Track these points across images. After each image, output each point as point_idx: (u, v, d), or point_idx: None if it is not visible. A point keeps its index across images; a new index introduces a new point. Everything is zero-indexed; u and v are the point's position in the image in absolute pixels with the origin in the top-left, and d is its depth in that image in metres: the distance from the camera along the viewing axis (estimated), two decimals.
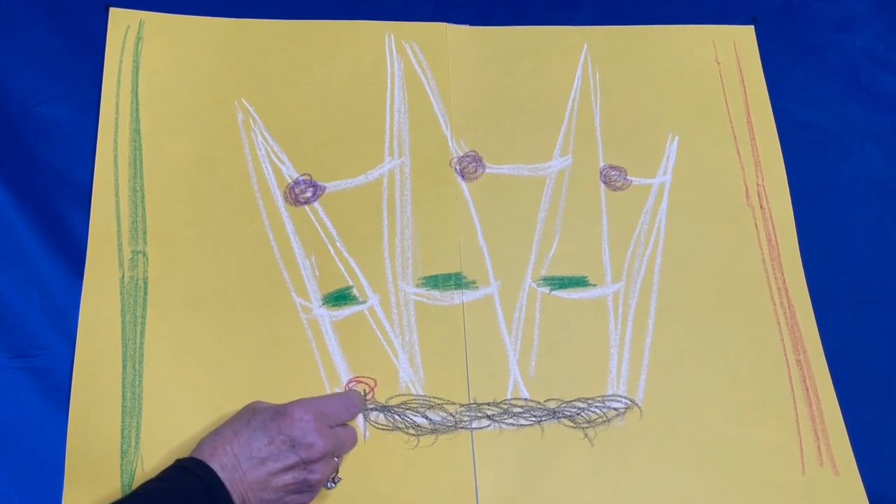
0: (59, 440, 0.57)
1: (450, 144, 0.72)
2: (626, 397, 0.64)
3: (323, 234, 0.67)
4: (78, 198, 0.65)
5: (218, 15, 0.74)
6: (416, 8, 0.76)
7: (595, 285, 0.68)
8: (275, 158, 0.69)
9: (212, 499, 0.49)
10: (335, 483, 0.57)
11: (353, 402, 0.58)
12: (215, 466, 0.50)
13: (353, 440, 0.57)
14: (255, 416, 0.53)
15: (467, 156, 0.71)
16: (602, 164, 0.73)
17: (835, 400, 0.65)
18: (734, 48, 0.79)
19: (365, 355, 0.63)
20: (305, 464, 0.52)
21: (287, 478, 0.52)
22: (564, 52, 0.77)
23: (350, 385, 0.62)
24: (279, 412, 0.53)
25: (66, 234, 0.64)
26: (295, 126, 0.70)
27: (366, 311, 0.65)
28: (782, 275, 0.70)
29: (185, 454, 0.57)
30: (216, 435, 0.53)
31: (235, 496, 0.50)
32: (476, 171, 0.71)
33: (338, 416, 0.56)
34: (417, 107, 0.72)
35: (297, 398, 0.56)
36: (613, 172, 0.73)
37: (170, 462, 0.52)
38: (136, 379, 0.60)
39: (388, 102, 0.72)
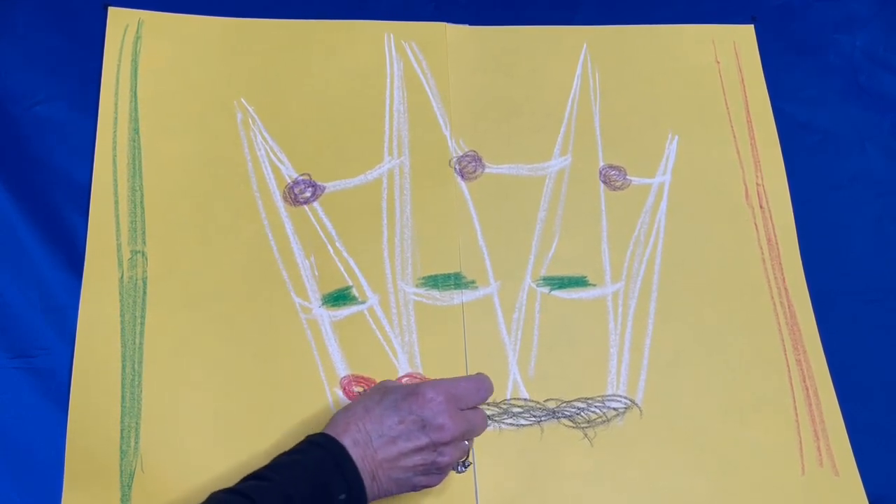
0: (59, 440, 0.57)
1: (449, 144, 0.72)
2: (625, 397, 0.64)
3: (322, 234, 0.67)
4: (77, 197, 0.65)
5: (217, 14, 0.74)
6: (416, 8, 0.76)
7: (595, 285, 0.68)
8: (274, 158, 0.69)
9: (340, 470, 0.49)
10: (465, 467, 0.56)
11: (483, 386, 0.56)
12: (347, 441, 0.50)
13: (483, 424, 0.56)
14: (386, 394, 0.53)
15: (467, 155, 0.71)
16: (601, 163, 0.73)
17: (835, 400, 0.65)
18: (734, 48, 0.79)
19: (364, 355, 0.63)
20: (435, 446, 0.52)
21: (416, 458, 0.52)
22: (564, 52, 0.77)
23: (346, 383, 0.62)
24: (411, 392, 0.53)
25: (65, 234, 0.64)
26: (294, 126, 0.70)
27: (365, 311, 0.65)
28: (782, 275, 0.70)
29: (184, 454, 0.58)
30: (348, 411, 0.53)
31: (366, 472, 0.50)
32: (475, 170, 0.71)
33: (469, 399, 0.55)
34: (417, 107, 0.72)
35: (296, 398, 0.56)
36: (613, 172, 0.72)
37: (168, 464, 0.53)
38: (135, 379, 0.60)
39: (388, 102, 0.72)
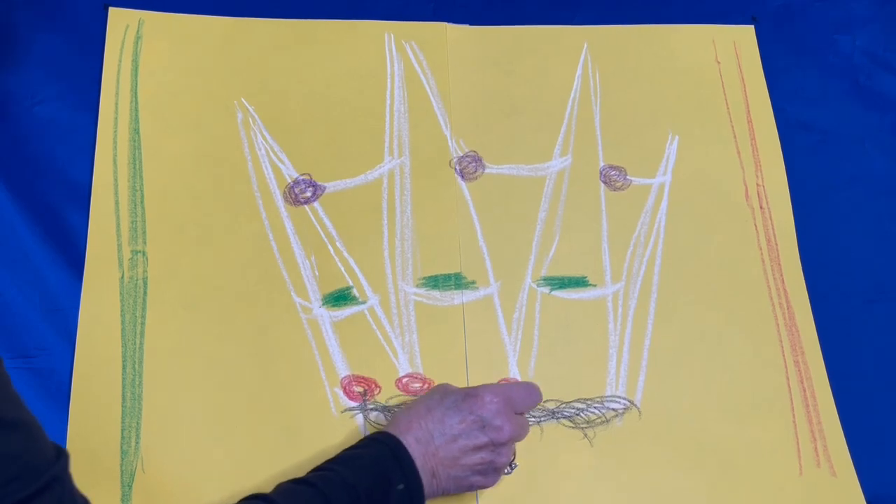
0: (59, 440, 0.57)
1: (449, 144, 0.72)
2: (624, 398, 0.64)
3: (323, 234, 0.67)
4: (77, 197, 0.65)
5: (217, 14, 0.74)
6: (416, 8, 0.76)
7: (595, 285, 0.68)
8: (274, 158, 0.69)
9: (398, 463, 0.51)
10: (513, 468, 0.59)
11: (535, 393, 0.58)
12: (410, 439, 0.52)
13: (527, 430, 0.58)
14: (446, 395, 0.55)
15: (467, 156, 0.71)
16: (602, 164, 0.73)
17: (832, 400, 0.65)
18: (734, 48, 0.79)
19: (365, 355, 0.63)
20: (494, 445, 0.54)
21: (476, 457, 0.54)
22: (564, 51, 0.77)
23: (347, 383, 0.62)
24: (470, 394, 0.55)
25: (65, 234, 0.64)
26: (295, 126, 0.70)
27: (366, 312, 0.65)
28: (781, 275, 0.70)
29: (185, 454, 0.58)
30: (410, 411, 0.55)
31: (427, 469, 0.52)
32: (476, 171, 0.71)
33: (521, 404, 0.57)
34: (417, 106, 0.72)
35: (297, 399, 0.56)
36: (613, 172, 0.73)
37: (169, 464, 0.53)
38: (135, 379, 0.60)
39: (388, 102, 0.72)
